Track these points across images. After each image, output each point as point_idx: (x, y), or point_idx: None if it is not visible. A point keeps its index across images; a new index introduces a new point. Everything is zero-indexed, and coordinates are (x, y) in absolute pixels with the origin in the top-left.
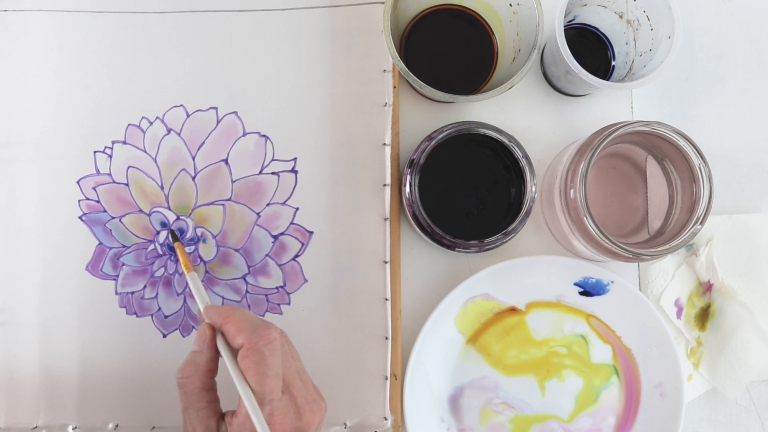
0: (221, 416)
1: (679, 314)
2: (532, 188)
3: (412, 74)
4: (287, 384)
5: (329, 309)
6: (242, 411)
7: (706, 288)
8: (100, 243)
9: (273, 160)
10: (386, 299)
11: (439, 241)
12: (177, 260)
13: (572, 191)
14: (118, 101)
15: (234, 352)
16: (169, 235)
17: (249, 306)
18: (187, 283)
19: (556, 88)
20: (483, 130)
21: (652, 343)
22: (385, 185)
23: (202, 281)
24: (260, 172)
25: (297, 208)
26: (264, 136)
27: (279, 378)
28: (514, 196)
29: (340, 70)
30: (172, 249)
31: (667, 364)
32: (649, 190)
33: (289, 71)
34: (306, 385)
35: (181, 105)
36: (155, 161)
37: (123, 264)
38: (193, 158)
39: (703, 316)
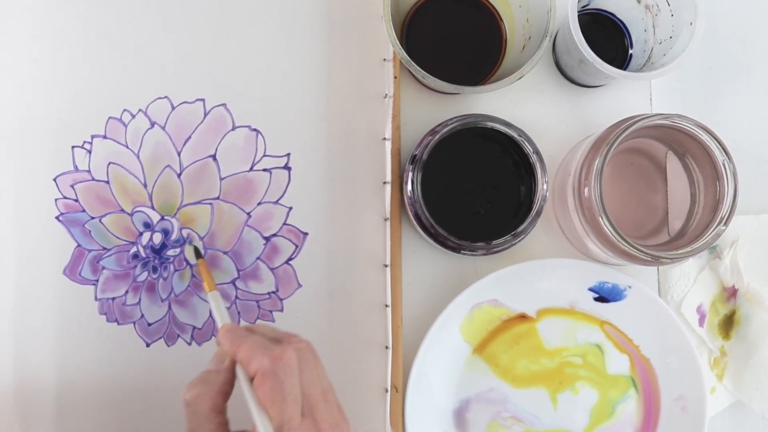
0: None
1: (701, 322)
2: (543, 186)
3: (414, 63)
4: (310, 406)
5: (325, 316)
6: None
7: (731, 293)
8: (79, 245)
9: (264, 155)
10: (386, 305)
11: (443, 243)
12: (162, 264)
13: (586, 189)
14: (98, 92)
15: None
16: (188, 251)
17: (239, 313)
18: (172, 288)
19: (569, 79)
20: (490, 124)
21: (672, 353)
22: (385, 183)
23: (188, 286)
24: (251, 169)
25: (290, 208)
26: (255, 130)
27: (297, 402)
28: (524, 195)
29: (337, 59)
30: (156, 251)
31: (688, 375)
32: (669, 188)
33: (282, 60)
34: (330, 406)
35: (165, 97)
36: (138, 157)
37: (103, 268)
38: (179, 154)
39: (728, 323)
